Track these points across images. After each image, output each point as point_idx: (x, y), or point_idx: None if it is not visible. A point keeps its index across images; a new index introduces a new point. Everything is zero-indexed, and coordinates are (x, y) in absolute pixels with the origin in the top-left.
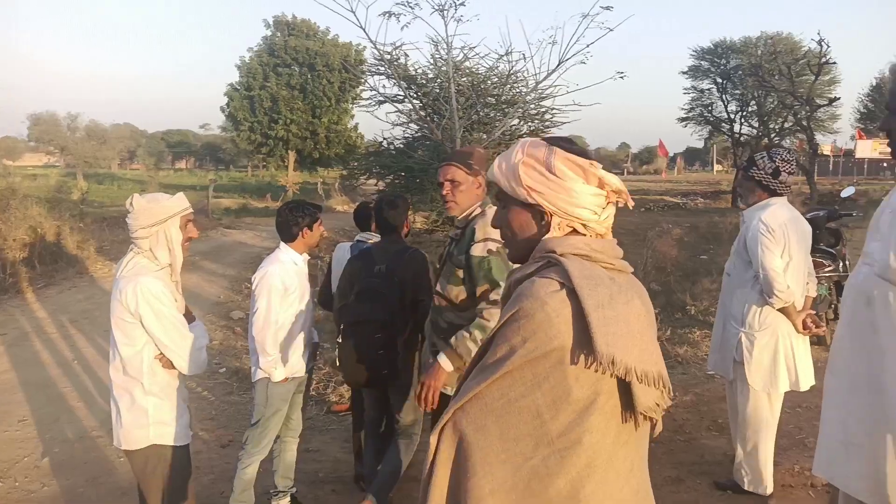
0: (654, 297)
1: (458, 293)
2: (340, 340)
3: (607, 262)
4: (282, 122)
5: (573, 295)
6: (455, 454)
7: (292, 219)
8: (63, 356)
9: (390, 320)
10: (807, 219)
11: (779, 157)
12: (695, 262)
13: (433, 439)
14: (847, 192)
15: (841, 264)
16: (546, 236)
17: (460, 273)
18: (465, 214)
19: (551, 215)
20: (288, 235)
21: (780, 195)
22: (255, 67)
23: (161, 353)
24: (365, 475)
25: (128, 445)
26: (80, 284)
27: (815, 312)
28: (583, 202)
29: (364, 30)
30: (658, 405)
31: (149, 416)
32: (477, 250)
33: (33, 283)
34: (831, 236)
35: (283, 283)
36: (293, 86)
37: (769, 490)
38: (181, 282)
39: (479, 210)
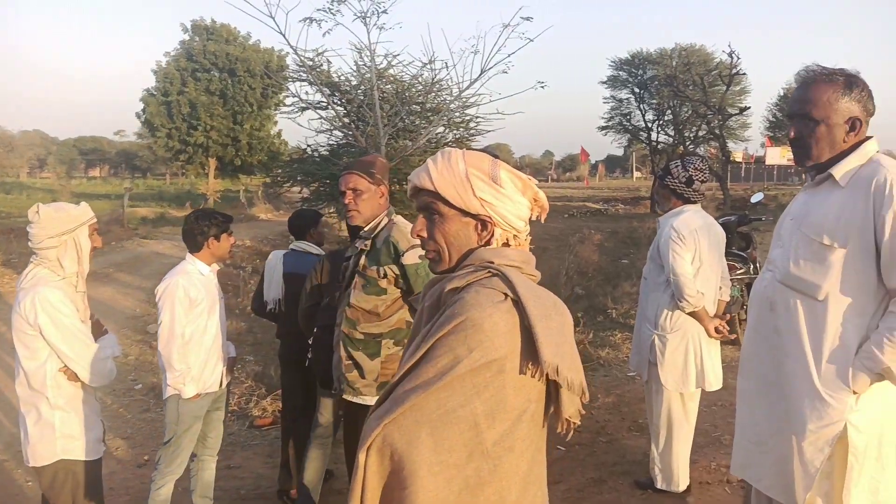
0: (576, 301)
1: (377, 304)
2: (312, 342)
3: (531, 274)
4: (201, 128)
5: (517, 305)
6: (385, 469)
7: (198, 228)
8: None
9: None
10: (719, 223)
11: (692, 165)
12: (616, 266)
13: (361, 456)
14: (756, 197)
15: (752, 267)
16: (485, 247)
17: (383, 283)
18: (371, 225)
19: (495, 226)
20: (193, 245)
21: (694, 202)
22: (173, 72)
23: (65, 365)
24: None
25: (35, 462)
26: None
27: (727, 316)
28: (522, 214)
29: (284, 35)
30: (579, 411)
31: (55, 430)
32: (410, 258)
33: None
34: (742, 240)
35: (188, 295)
36: (213, 91)
37: (681, 487)
38: (90, 293)
39: (386, 220)
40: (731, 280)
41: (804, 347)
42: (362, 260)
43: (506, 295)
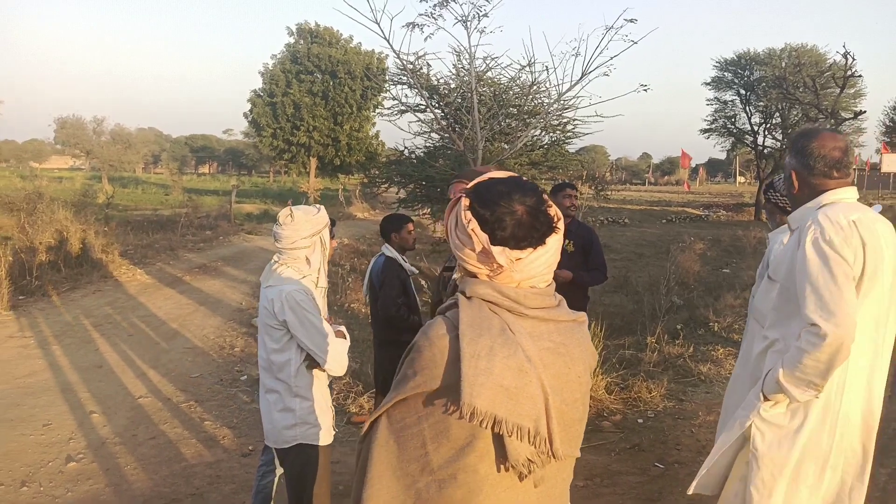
0: (676, 312)
1: None
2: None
3: (521, 311)
4: (304, 128)
5: (457, 340)
6: (357, 464)
7: None
8: (87, 361)
9: None
10: None
11: None
12: (717, 276)
13: (359, 446)
14: (874, 210)
15: None
16: (473, 278)
17: None
18: None
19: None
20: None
21: None
22: (278, 74)
23: (307, 357)
24: None
25: (276, 444)
26: (105, 288)
27: None
28: (466, 257)
29: (388, 40)
30: (531, 461)
31: (296, 416)
32: None
33: (58, 286)
34: None
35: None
36: (315, 93)
37: None
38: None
39: None
40: None
41: (752, 371)
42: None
43: (452, 328)
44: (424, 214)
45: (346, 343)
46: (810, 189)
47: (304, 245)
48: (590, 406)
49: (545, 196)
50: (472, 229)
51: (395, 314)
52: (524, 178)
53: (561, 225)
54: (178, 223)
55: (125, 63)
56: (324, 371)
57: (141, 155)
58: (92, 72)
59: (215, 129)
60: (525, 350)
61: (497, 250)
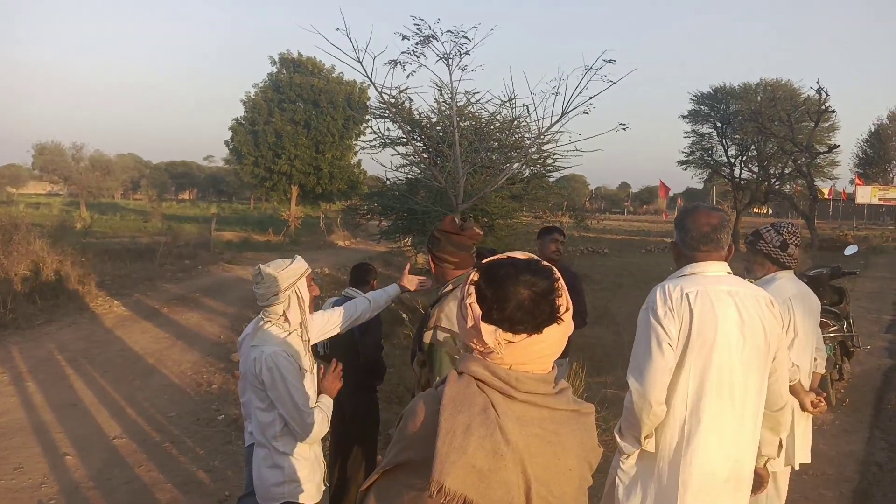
0: None
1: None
2: None
3: (511, 394)
4: (286, 156)
5: (437, 416)
6: None
7: None
8: (61, 398)
9: None
10: (810, 276)
11: (785, 230)
12: None
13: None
14: (850, 250)
15: (845, 324)
16: (470, 354)
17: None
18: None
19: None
20: None
21: (788, 268)
22: (260, 103)
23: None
24: None
25: (264, 500)
26: (80, 321)
27: (823, 393)
28: (463, 333)
29: (370, 79)
30: None
31: (283, 474)
32: (427, 336)
33: (33, 319)
34: (835, 294)
35: None
36: (297, 121)
37: None
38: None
39: (450, 287)
40: (824, 337)
41: None
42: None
43: (435, 403)
44: (406, 245)
45: (328, 408)
46: (684, 259)
47: (279, 301)
48: None
49: (560, 283)
50: (469, 303)
51: (379, 359)
52: (542, 263)
53: (567, 317)
54: (157, 252)
55: (106, 89)
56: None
57: (120, 181)
58: (72, 98)
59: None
60: (506, 433)
61: (488, 329)
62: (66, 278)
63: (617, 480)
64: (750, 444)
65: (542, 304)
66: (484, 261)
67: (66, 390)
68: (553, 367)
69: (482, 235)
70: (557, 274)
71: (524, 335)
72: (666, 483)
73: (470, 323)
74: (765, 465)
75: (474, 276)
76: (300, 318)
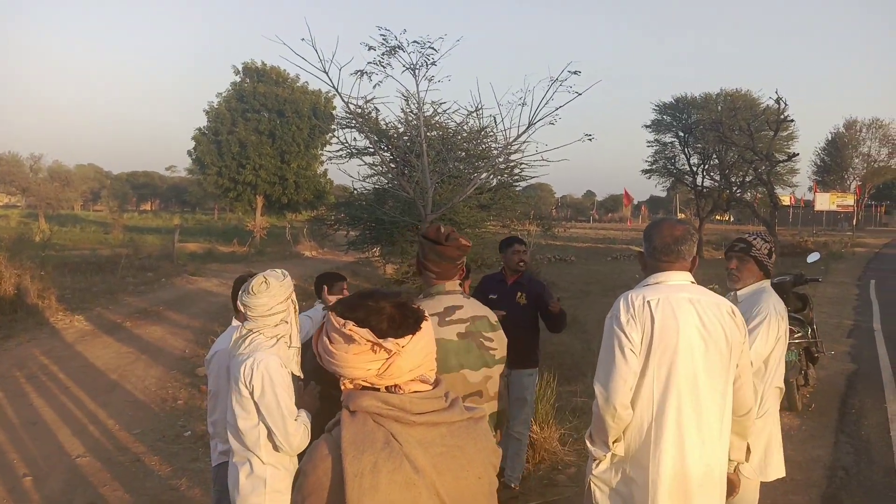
0: None
1: None
2: None
3: (408, 419)
4: (250, 166)
5: (340, 461)
6: None
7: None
8: (21, 417)
9: None
10: (774, 283)
11: (766, 239)
12: None
13: None
14: (812, 257)
15: (809, 330)
16: (350, 391)
17: None
18: None
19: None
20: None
21: (769, 276)
22: (224, 112)
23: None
24: None
25: None
26: (40, 336)
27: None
28: (353, 364)
29: (336, 89)
30: None
31: (266, 485)
32: None
33: None
34: (799, 301)
35: None
36: (262, 131)
37: None
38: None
39: (418, 301)
40: (789, 344)
41: None
42: None
43: (332, 448)
44: (374, 255)
45: (307, 423)
46: (649, 269)
47: (280, 310)
48: (544, 460)
49: (407, 297)
50: (351, 329)
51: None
52: (380, 290)
53: (425, 325)
54: (119, 264)
55: (66, 99)
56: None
57: (80, 192)
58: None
59: (158, 165)
60: (413, 461)
61: (387, 341)
62: (25, 292)
63: (592, 486)
64: (719, 450)
65: (406, 310)
66: (334, 303)
67: (25, 408)
68: (439, 382)
69: (469, 248)
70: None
71: (409, 336)
72: (638, 485)
73: (364, 343)
74: (735, 470)
75: (332, 314)
76: (296, 327)
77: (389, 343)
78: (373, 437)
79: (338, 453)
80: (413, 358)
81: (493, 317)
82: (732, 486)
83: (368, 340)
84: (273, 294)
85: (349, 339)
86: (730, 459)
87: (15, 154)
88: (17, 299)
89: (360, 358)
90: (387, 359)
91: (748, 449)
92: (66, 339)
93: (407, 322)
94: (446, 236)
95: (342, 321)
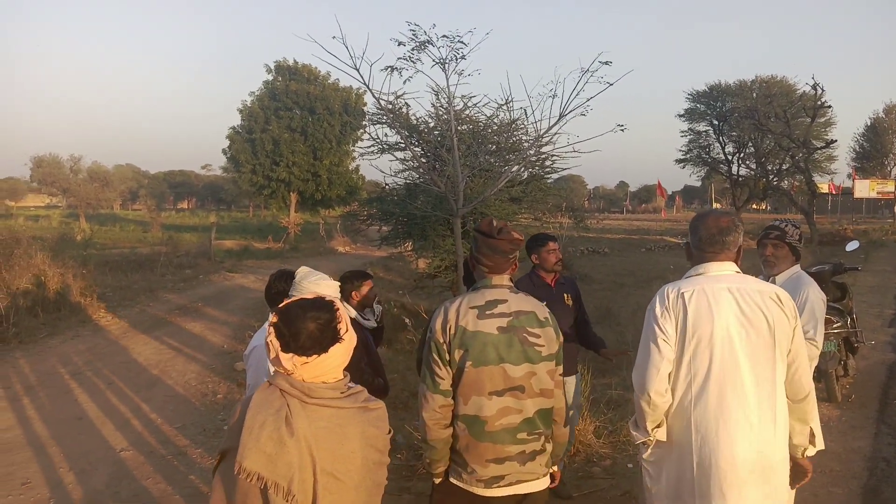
0: None
1: None
2: None
3: (305, 399)
4: (283, 164)
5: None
6: None
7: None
8: (66, 412)
9: None
10: (812, 273)
11: (796, 225)
12: None
13: None
14: (851, 246)
15: (849, 320)
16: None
17: None
18: None
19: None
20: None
21: (799, 261)
22: (257, 111)
23: None
24: None
25: None
26: (83, 334)
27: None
28: (273, 360)
29: (367, 85)
30: None
31: None
32: None
33: (36, 332)
34: (837, 290)
35: None
36: (294, 128)
37: None
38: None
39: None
40: (827, 334)
41: None
42: None
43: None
44: (406, 250)
45: None
46: (696, 260)
47: None
48: (579, 452)
49: (339, 313)
50: (270, 340)
51: (361, 379)
52: (325, 299)
53: (347, 336)
54: (158, 262)
55: (104, 101)
56: None
57: (118, 192)
58: (70, 110)
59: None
60: (293, 427)
61: (286, 357)
62: (68, 291)
63: (643, 470)
64: (773, 436)
65: (326, 332)
66: (280, 305)
67: (70, 404)
68: (344, 376)
69: (521, 241)
70: (337, 304)
71: (315, 356)
72: (684, 469)
73: (272, 354)
74: (803, 454)
75: (273, 318)
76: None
77: (290, 363)
78: (271, 403)
79: (247, 408)
80: (313, 371)
81: (543, 313)
82: (804, 472)
83: (276, 355)
84: (320, 288)
85: (269, 349)
86: (795, 445)
87: (55, 156)
88: (60, 298)
89: (273, 360)
90: (285, 370)
91: (812, 433)
92: (109, 336)
93: (318, 344)
94: (498, 230)
95: (270, 331)
